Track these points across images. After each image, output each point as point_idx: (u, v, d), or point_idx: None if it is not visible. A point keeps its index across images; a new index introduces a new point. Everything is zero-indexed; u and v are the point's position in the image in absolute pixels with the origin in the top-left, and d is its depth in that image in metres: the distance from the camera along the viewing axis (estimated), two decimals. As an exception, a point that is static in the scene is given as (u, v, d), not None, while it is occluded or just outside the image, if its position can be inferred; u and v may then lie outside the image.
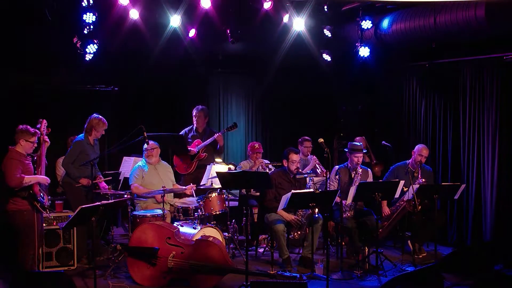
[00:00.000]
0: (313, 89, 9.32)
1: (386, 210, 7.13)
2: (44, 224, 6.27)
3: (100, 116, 6.87)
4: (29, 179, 5.77)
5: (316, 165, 7.99)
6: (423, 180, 7.06)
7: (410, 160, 7.40)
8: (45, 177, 5.94)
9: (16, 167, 5.74)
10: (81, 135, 6.86)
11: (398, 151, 8.39)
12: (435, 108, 8.25)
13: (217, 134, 8.05)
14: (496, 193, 7.45)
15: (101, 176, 6.97)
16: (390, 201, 7.26)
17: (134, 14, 7.33)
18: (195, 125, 8.22)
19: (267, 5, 7.41)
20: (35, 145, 5.93)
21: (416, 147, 7.38)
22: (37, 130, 5.94)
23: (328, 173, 6.61)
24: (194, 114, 8.20)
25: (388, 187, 6.63)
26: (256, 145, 8.03)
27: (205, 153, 8.11)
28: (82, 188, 6.74)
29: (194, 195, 7.12)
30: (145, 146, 7.19)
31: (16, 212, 5.84)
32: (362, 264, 6.58)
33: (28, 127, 5.89)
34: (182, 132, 8.29)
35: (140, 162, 7.33)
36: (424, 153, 7.28)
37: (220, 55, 8.93)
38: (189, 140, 8.18)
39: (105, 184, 6.88)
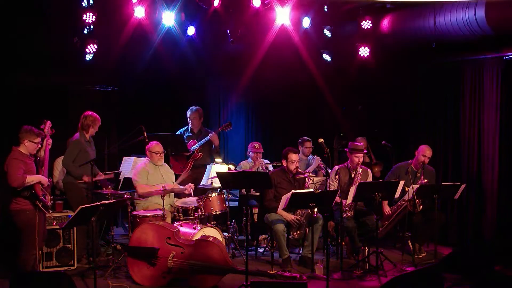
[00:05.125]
0: (313, 89, 9.31)
1: (387, 209, 7.12)
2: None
3: (94, 114, 6.91)
4: (31, 178, 5.78)
5: (320, 165, 7.98)
6: (426, 181, 7.05)
7: (412, 160, 7.39)
8: (45, 178, 5.95)
9: (19, 167, 5.76)
10: (77, 133, 6.87)
11: (398, 151, 8.38)
12: (435, 108, 8.24)
13: (211, 133, 8.04)
14: (496, 193, 7.45)
15: (101, 173, 6.98)
16: (390, 201, 7.24)
17: (139, 12, 7.32)
18: (190, 126, 8.21)
19: (267, 5, 7.41)
20: (39, 146, 5.94)
21: (420, 147, 7.34)
22: (41, 132, 5.95)
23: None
24: (188, 115, 8.18)
25: (388, 187, 6.63)
26: (257, 145, 8.02)
27: (200, 153, 8.10)
28: (83, 186, 6.74)
29: (193, 195, 7.11)
30: (149, 147, 7.16)
31: (18, 212, 5.85)
32: (362, 264, 6.58)
33: (33, 128, 5.91)
34: (177, 133, 8.27)
35: (143, 163, 7.31)
36: (428, 153, 7.25)
37: (220, 55, 8.92)
38: (185, 140, 8.16)
39: (105, 180, 6.91)
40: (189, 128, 8.23)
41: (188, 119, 8.20)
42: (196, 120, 8.18)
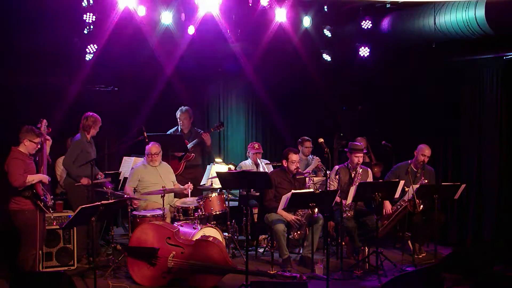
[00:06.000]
0: (313, 89, 9.32)
1: (388, 207, 7.08)
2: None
3: (95, 115, 6.93)
4: (31, 178, 5.77)
5: (319, 166, 7.97)
6: (426, 181, 7.06)
7: (412, 160, 7.40)
8: (46, 176, 5.94)
9: (19, 166, 5.76)
10: (78, 134, 6.88)
11: (398, 151, 8.38)
12: (435, 107, 8.24)
13: (202, 133, 8.00)
14: (497, 193, 7.45)
15: (101, 173, 6.99)
16: (391, 201, 7.24)
17: (140, 11, 7.32)
18: (180, 127, 8.17)
19: (265, 3, 7.41)
20: (39, 146, 5.93)
21: (419, 147, 7.35)
22: (42, 132, 5.96)
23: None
24: (178, 116, 8.12)
25: (388, 187, 6.63)
26: (256, 146, 8.02)
27: (192, 154, 8.07)
28: (83, 187, 6.75)
29: (189, 195, 7.10)
30: (147, 147, 7.16)
31: (18, 212, 5.84)
32: (362, 264, 6.58)
33: (34, 128, 5.91)
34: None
35: (140, 163, 7.31)
36: (427, 153, 7.26)
37: (220, 55, 8.93)
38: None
39: (105, 179, 6.92)
40: (179, 129, 8.19)
41: (178, 120, 8.14)
42: (187, 121, 8.13)
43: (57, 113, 7.60)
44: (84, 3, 7.23)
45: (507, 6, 6.40)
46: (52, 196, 6.12)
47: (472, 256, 6.40)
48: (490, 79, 7.49)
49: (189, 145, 8.02)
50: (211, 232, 6.53)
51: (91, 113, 6.92)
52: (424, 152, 7.26)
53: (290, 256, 6.82)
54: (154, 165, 7.21)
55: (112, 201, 6.31)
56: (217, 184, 7.18)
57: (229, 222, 7.30)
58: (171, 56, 8.39)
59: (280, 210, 6.51)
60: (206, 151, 8.22)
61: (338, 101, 9.54)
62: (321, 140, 6.58)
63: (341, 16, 8.20)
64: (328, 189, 6.77)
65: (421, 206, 6.89)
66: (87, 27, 7.33)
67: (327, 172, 6.84)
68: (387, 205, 7.09)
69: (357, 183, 6.79)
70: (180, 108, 8.18)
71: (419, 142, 7.61)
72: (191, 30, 7.87)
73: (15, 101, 7.73)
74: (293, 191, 6.20)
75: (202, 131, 8.08)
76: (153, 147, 7.18)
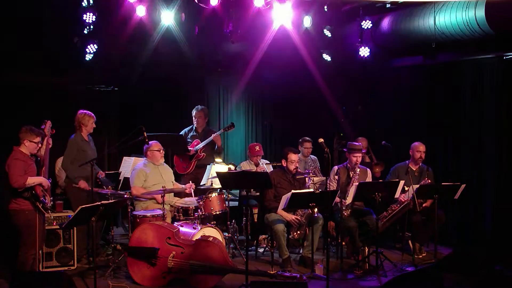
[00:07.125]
0: (313, 89, 9.32)
1: (401, 195, 7.07)
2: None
3: (85, 111, 6.90)
4: (32, 180, 5.76)
5: (317, 171, 7.99)
6: (429, 181, 7.12)
7: (409, 160, 7.42)
8: (46, 179, 5.94)
9: (20, 167, 5.74)
10: (73, 134, 6.88)
11: (398, 151, 8.39)
12: (435, 107, 8.24)
13: (214, 134, 8.04)
14: (496, 193, 7.45)
15: (101, 172, 6.98)
16: (391, 201, 7.23)
17: (140, 11, 7.32)
18: (195, 125, 8.22)
19: (267, 4, 7.41)
20: (39, 145, 5.92)
21: (412, 145, 7.43)
22: (41, 131, 5.95)
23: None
24: (193, 114, 8.21)
25: (388, 187, 6.63)
26: (257, 147, 7.98)
27: (203, 153, 8.10)
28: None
29: (193, 194, 7.11)
30: (146, 146, 7.16)
31: (18, 212, 5.83)
32: (362, 264, 6.58)
33: (33, 127, 5.89)
34: (181, 132, 8.30)
35: (142, 163, 7.31)
36: (421, 149, 7.34)
37: (220, 55, 8.94)
38: (189, 140, 8.19)
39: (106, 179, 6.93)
40: (194, 128, 8.24)
41: (193, 118, 8.21)
42: (201, 120, 8.19)
43: (57, 113, 7.59)
44: (84, 3, 7.24)
45: (507, 6, 6.40)
46: (51, 198, 6.12)
47: (472, 256, 6.40)
48: (490, 79, 7.49)
49: (201, 145, 8.05)
50: (211, 232, 6.53)
51: (80, 111, 6.90)
52: (418, 148, 7.33)
53: (290, 256, 6.82)
54: (159, 163, 7.20)
55: (112, 201, 6.31)
56: (217, 184, 7.18)
57: (229, 222, 7.30)
58: (171, 55, 8.40)
59: (280, 210, 6.51)
60: (217, 152, 8.24)
61: (338, 101, 9.54)
62: (321, 140, 6.59)
63: (341, 16, 8.20)
64: (328, 189, 6.78)
65: (423, 204, 6.92)
66: (87, 27, 7.33)
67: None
68: (401, 195, 7.07)
69: (354, 183, 6.79)
70: (196, 107, 8.26)
71: (419, 141, 7.62)
72: (193, 28, 7.85)
73: (15, 101, 7.73)
74: (292, 191, 6.20)
75: (217, 132, 8.10)
76: (156, 145, 7.18)
